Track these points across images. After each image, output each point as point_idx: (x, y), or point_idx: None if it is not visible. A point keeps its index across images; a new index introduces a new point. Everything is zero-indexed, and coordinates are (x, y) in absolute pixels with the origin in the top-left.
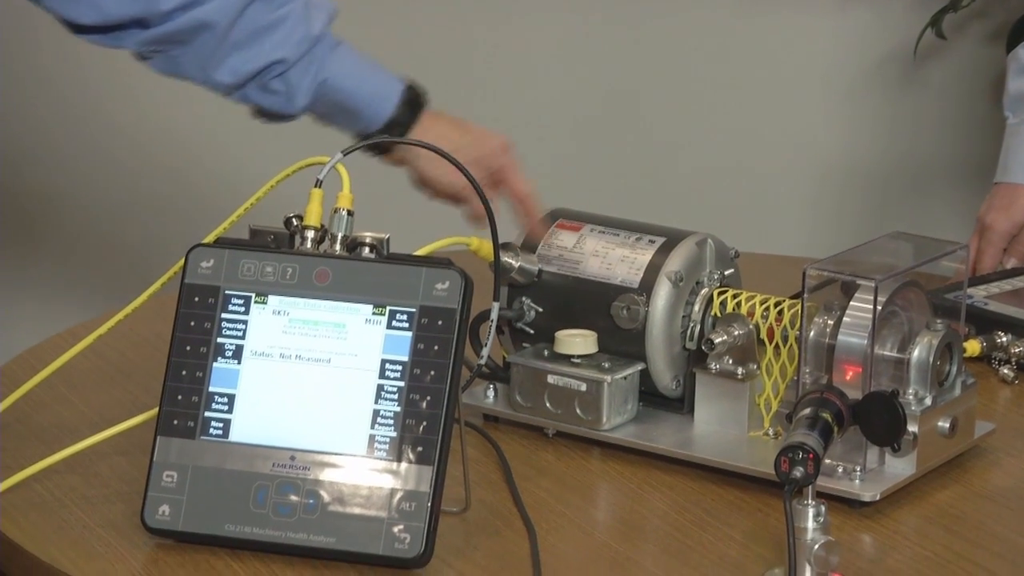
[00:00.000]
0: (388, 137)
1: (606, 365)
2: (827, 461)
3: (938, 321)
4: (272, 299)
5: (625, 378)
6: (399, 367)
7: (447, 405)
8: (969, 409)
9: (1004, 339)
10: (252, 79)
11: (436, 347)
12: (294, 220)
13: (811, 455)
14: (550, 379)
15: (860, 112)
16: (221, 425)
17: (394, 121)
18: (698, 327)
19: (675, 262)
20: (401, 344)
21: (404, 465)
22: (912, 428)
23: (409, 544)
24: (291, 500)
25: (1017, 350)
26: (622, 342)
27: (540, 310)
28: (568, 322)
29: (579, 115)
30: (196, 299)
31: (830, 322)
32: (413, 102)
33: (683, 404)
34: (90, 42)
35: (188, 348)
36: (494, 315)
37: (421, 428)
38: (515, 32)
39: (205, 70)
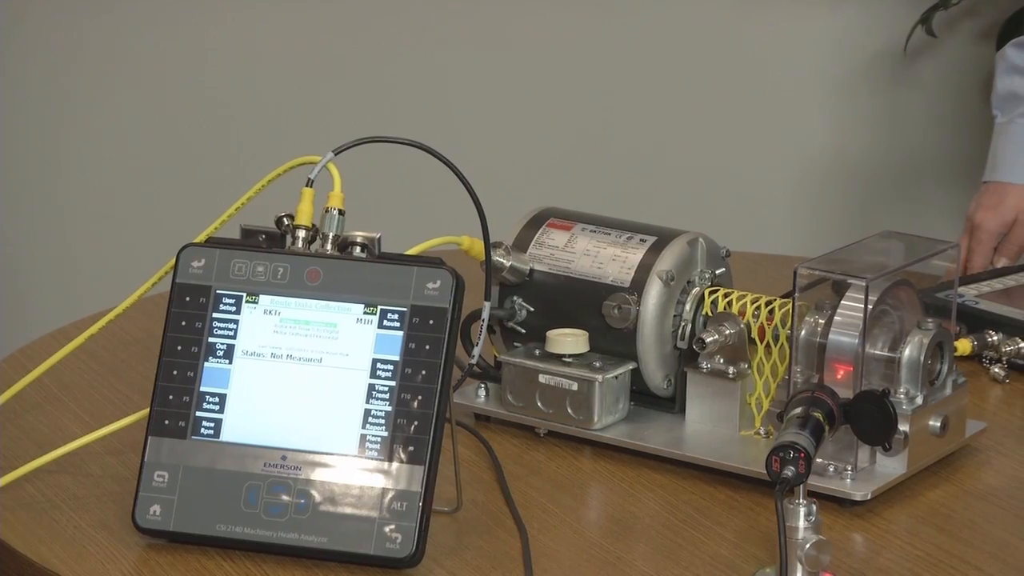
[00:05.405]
0: (381, 137)
1: (597, 364)
2: (818, 460)
3: (929, 320)
4: (263, 299)
5: (616, 377)
6: (390, 366)
7: (438, 404)
8: (960, 408)
9: (995, 338)
10: None
11: (427, 346)
12: (285, 219)
13: (802, 454)
14: (541, 378)
15: (851, 110)
16: (212, 425)
17: None
18: (689, 326)
19: (666, 261)
20: (392, 343)
21: (395, 465)
22: (903, 427)
23: (400, 544)
24: (282, 500)
25: (1008, 349)
26: (613, 341)
27: (531, 309)
28: (559, 321)
29: (570, 114)
30: (187, 299)
31: (821, 321)
32: None
33: (674, 403)
34: None
35: (179, 348)
36: (485, 314)
37: (412, 428)
38: (508, 32)
39: None
